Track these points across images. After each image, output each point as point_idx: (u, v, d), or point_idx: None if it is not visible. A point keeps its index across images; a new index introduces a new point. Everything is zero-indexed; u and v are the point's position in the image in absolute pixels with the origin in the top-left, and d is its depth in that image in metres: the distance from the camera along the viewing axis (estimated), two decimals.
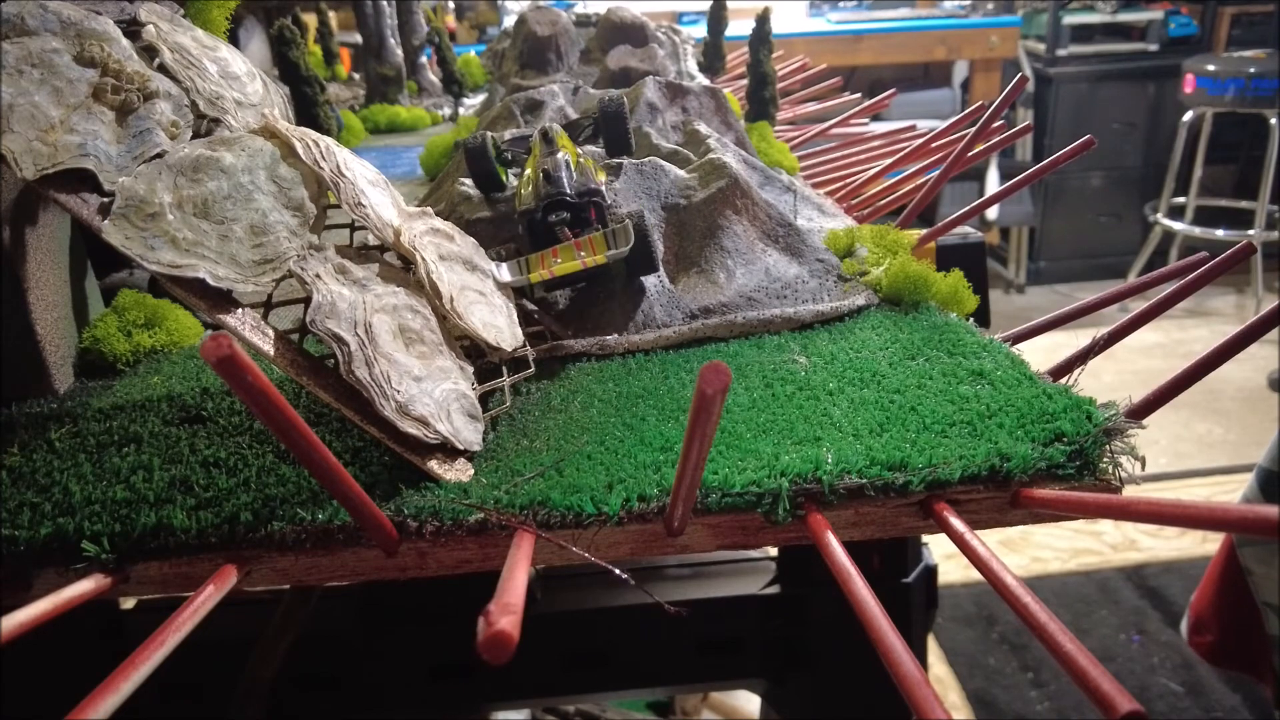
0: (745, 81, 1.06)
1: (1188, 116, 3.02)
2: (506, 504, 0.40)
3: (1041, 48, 3.25)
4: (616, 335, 0.58)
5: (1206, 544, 1.99)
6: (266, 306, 0.44)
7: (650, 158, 0.70)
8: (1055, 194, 3.33)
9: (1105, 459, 0.41)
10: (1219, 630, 1.04)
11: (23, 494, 0.43)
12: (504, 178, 0.66)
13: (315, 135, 0.47)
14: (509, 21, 1.64)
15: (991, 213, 3.08)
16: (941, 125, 0.85)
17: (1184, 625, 1.10)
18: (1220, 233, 3.03)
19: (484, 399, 0.49)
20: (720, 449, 0.44)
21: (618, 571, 0.38)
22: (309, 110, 1.00)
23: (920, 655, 0.95)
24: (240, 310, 0.42)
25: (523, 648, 0.26)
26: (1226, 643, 1.04)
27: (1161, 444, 2.40)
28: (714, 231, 0.64)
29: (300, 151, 0.45)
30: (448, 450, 0.44)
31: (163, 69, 0.46)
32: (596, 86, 1.07)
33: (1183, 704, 1.61)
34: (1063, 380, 0.48)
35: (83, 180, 0.41)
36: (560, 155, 0.59)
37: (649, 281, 0.61)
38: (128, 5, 0.48)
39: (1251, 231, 2.98)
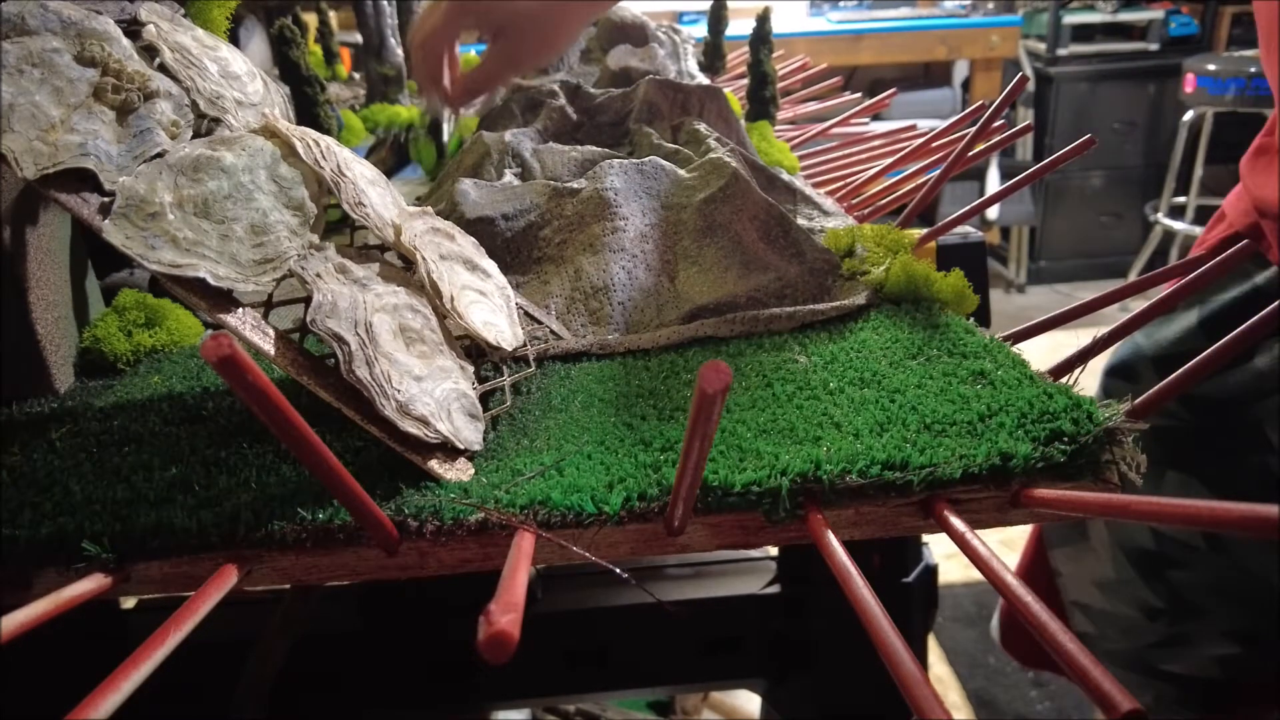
0: (746, 81, 1.06)
1: (1188, 116, 3.02)
2: (507, 503, 0.40)
3: (1042, 47, 3.25)
4: (617, 335, 0.58)
5: None
6: (267, 306, 0.44)
7: (650, 157, 0.70)
8: (1056, 193, 3.33)
9: (1106, 458, 0.41)
10: (1029, 634, 1.03)
11: (23, 493, 0.43)
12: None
13: (315, 135, 0.47)
14: None
15: (992, 212, 3.08)
16: (942, 125, 0.85)
17: (994, 627, 1.09)
18: None
19: (484, 398, 0.49)
20: (720, 449, 0.43)
21: (618, 571, 0.38)
22: (309, 110, 1.00)
23: (921, 655, 0.95)
24: (240, 310, 0.42)
25: (523, 647, 0.26)
26: (1038, 645, 1.03)
27: None
28: (714, 231, 0.64)
29: (300, 151, 0.45)
30: (448, 450, 0.44)
31: (163, 68, 0.46)
32: (597, 86, 1.07)
33: None
34: (1063, 379, 0.48)
35: (83, 180, 0.41)
36: None
37: (649, 281, 0.61)
38: (128, 5, 0.48)
39: None
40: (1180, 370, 0.43)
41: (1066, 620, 0.99)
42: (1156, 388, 0.43)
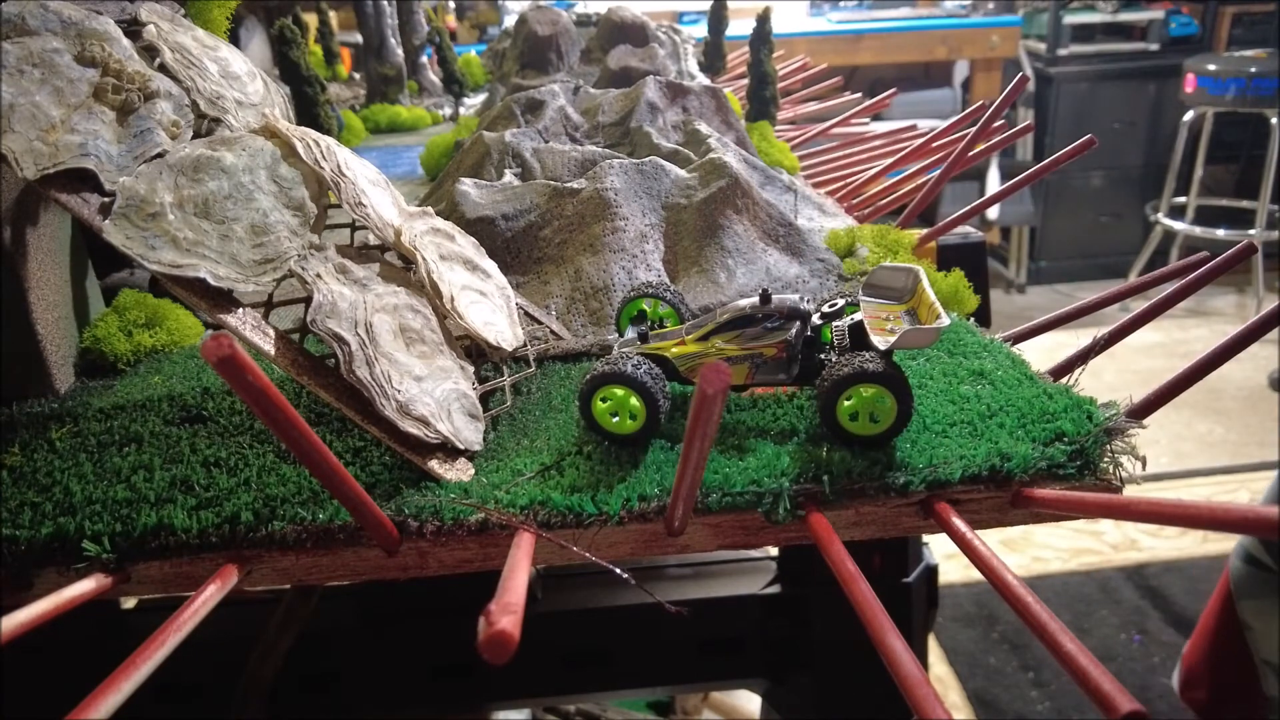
0: (746, 81, 1.06)
1: (1188, 116, 3.02)
2: (507, 503, 0.40)
3: (1042, 47, 3.25)
4: (617, 334, 0.58)
5: (1207, 544, 1.99)
6: (267, 306, 0.44)
7: (651, 157, 0.70)
8: (1056, 193, 3.32)
9: (1106, 458, 0.41)
10: (1211, 687, 0.98)
11: (23, 493, 0.43)
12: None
13: (316, 135, 0.47)
14: (510, 21, 1.64)
15: (992, 212, 3.08)
16: (942, 125, 0.85)
17: (1175, 677, 1.04)
18: (1221, 232, 3.03)
19: (485, 398, 0.49)
20: (721, 448, 0.43)
21: (618, 571, 0.38)
22: (310, 110, 1.00)
23: (921, 655, 0.95)
24: (241, 310, 0.42)
25: (523, 647, 0.26)
26: (1220, 700, 0.97)
27: (1162, 443, 2.40)
28: (714, 231, 0.64)
29: (301, 151, 0.45)
30: (448, 450, 0.44)
31: (163, 69, 0.46)
32: (597, 86, 1.07)
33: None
34: (1063, 380, 0.48)
35: (84, 180, 0.41)
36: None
37: (649, 281, 0.61)
38: (128, 5, 0.48)
39: (1252, 231, 2.98)
40: (1181, 370, 0.43)
41: (1257, 678, 0.92)
42: (1157, 387, 0.43)
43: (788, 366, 0.45)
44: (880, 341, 0.41)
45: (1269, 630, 0.90)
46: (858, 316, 0.45)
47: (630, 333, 0.49)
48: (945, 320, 0.40)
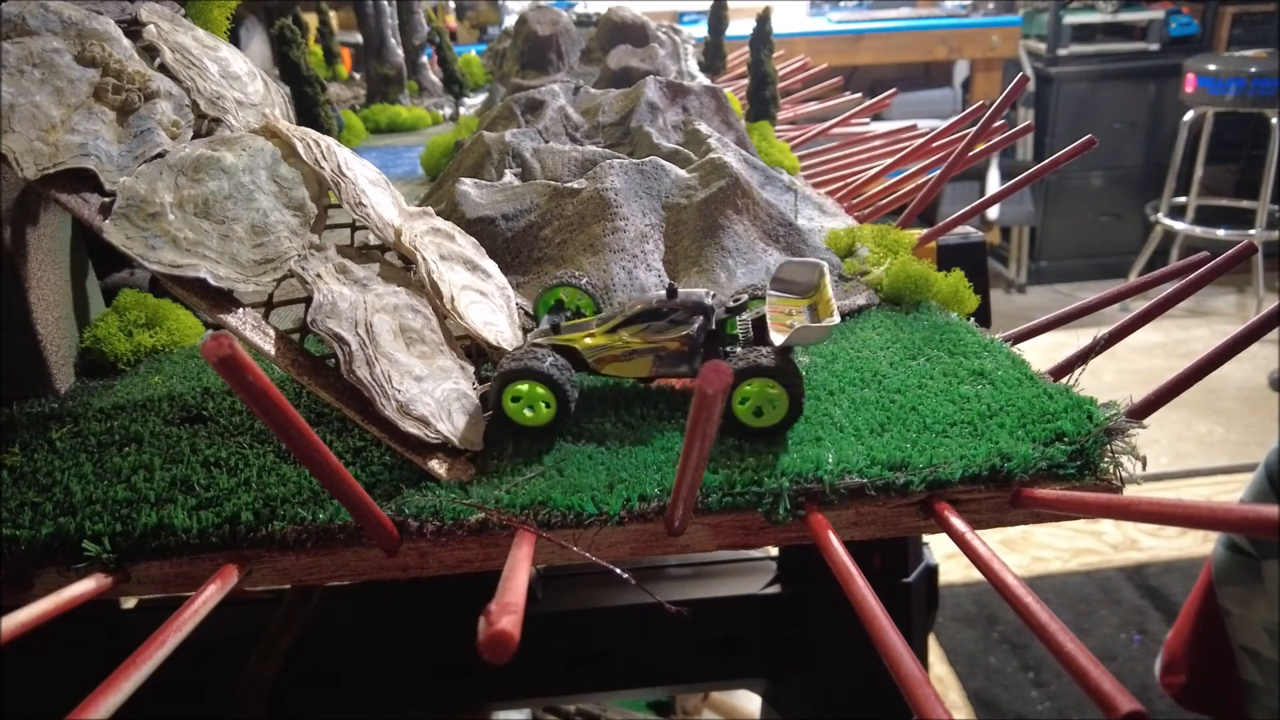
0: (746, 81, 1.06)
1: (1189, 116, 3.01)
2: (507, 504, 0.40)
3: (1042, 47, 3.25)
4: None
5: (1207, 544, 1.99)
6: (267, 306, 0.44)
7: (651, 157, 0.70)
8: (1056, 193, 3.32)
9: (1106, 458, 0.41)
10: (1190, 671, 0.98)
11: (24, 493, 0.43)
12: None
13: (316, 135, 0.47)
14: (510, 21, 1.64)
15: (992, 212, 3.08)
16: (942, 125, 0.85)
17: (1157, 663, 1.05)
18: (1221, 232, 3.03)
19: (485, 398, 0.49)
20: (721, 449, 0.43)
21: (619, 571, 0.38)
22: (310, 110, 1.00)
23: (921, 655, 0.95)
24: (241, 310, 0.42)
25: (523, 647, 0.26)
26: (1196, 684, 0.98)
27: (1162, 443, 2.40)
28: (714, 231, 0.64)
29: (301, 151, 0.45)
30: (449, 450, 0.44)
31: (164, 69, 0.46)
32: (597, 86, 1.07)
33: None
34: (1063, 380, 0.48)
35: (84, 180, 0.41)
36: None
37: (649, 281, 0.61)
38: (129, 5, 0.48)
39: (1252, 231, 2.98)
40: (1181, 370, 0.43)
41: (1233, 665, 0.92)
42: (1157, 387, 0.43)
43: (689, 359, 0.47)
44: (776, 336, 0.43)
45: (1248, 616, 0.91)
46: (762, 310, 0.48)
47: (544, 323, 0.51)
48: (836, 319, 0.42)
